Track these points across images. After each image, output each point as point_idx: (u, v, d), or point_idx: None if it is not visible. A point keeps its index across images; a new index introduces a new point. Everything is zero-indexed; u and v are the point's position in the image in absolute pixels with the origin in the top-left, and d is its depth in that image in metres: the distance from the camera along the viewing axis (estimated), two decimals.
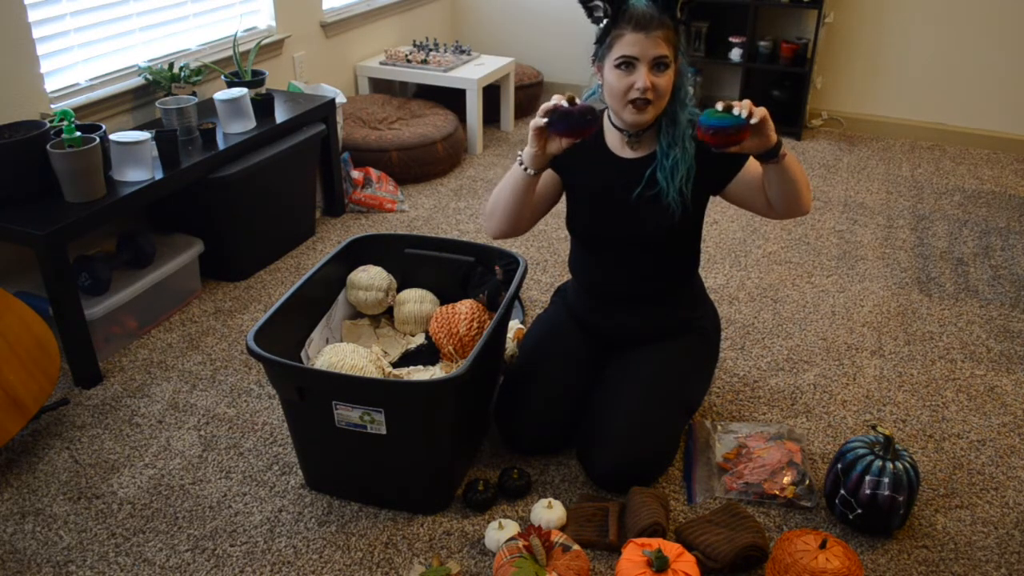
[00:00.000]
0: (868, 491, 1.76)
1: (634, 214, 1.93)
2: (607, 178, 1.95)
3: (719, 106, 1.64)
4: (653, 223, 1.92)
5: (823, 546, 1.62)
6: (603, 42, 1.82)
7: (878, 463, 1.77)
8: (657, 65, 1.77)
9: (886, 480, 1.75)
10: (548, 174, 2.00)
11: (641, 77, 1.76)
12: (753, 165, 1.88)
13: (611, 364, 2.07)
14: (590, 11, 1.83)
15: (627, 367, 2.02)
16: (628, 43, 1.77)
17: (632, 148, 1.93)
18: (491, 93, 4.19)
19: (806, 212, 1.88)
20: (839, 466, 1.82)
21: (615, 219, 1.96)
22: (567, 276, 2.32)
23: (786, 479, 1.94)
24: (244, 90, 2.83)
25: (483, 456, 2.08)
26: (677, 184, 1.87)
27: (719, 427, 2.11)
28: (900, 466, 1.76)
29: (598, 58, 1.85)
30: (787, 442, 2.04)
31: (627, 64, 1.77)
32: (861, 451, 1.80)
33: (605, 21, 1.81)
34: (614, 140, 1.95)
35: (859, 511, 1.79)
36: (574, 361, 2.06)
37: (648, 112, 1.81)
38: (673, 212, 1.89)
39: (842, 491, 1.81)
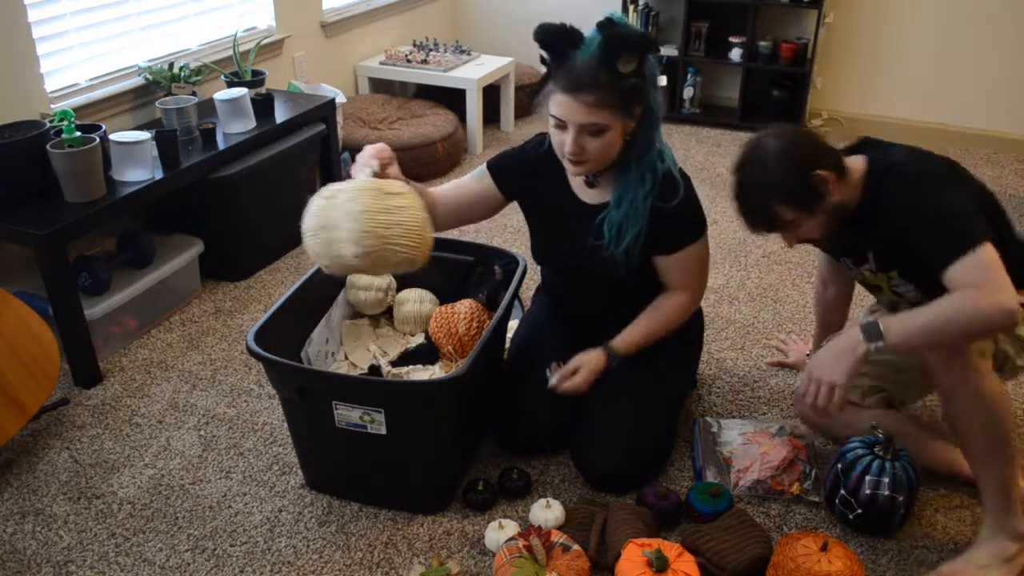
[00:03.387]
0: (868, 491, 1.76)
1: (586, 256, 1.87)
2: (562, 220, 1.91)
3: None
4: (604, 268, 1.86)
5: (824, 548, 1.62)
6: (542, 88, 1.71)
7: (878, 463, 1.77)
8: (588, 131, 1.66)
9: (886, 480, 1.75)
10: (491, 193, 1.96)
11: (569, 140, 1.66)
12: (680, 261, 1.85)
13: None
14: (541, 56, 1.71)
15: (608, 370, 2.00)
16: (557, 103, 1.66)
17: (591, 187, 1.85)
18: (491, 93, 4.20)
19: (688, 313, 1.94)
20: (839, 466, 1.83)
21: (569, 257, 1.94)
22: None
23: (793, 475, 1.94)
24: (244, 90, 2.83)
25: (483, 456, 2.08)
26: (624, 244, 1.79)
27: (722, 424, 2.11)
28: (900, 466, 1.76)
29: (544, 98, 1.71)
30: (792, 438, 2.04)
31: (559, 124, 1.68)
32: (861, 451, 1.80)
33: (545, 69, 1.70)
34: (576, 178, 1.88)
35: (859, 511, 1.79)
36: (560, 359, 2.04)
37: (584, 167, 1.73)
38: (618, 264, 1.83)
39: (842, 491, 1.81)
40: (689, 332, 2.12)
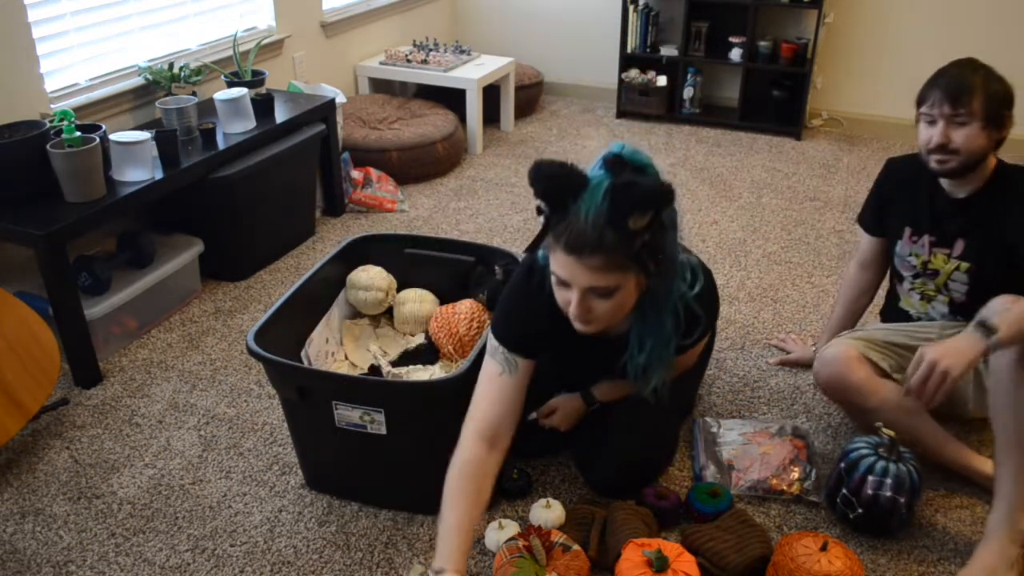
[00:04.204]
0: (870, 492, 1.76)
1: (595, 376, 1.83)
2: (581, 352, 1.77)
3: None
4: (614, 378, 1.82)
5: (824, 548, 1.62)
6: (541, 241, 1.50)
7: (881, 464, 1.77)
8: (595, 293, 1.47)
9: (888, 481, 1.75)
10: (530, 371, 1.69)
11: (575, 303, 1.48)
12: (682, 356, 1.78)
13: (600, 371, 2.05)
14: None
15: (616, 376, 1.97)
16: (560, 262, 1.46)
17: None
18: (491, 93, 4.19)
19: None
20: (842, 465, 1.83)
21: (574, 378, 1.93)
22: None
23: (793, 475, 1.94)
24: (244, 90, 2.83)
25: None
26: (651, 385, 1.66)
27: (723, 424, 2.11)
28: (903, 467, 1.77)
29: (544, 248, 1.52)
30: (792, 438, 2.04)
31: (561, 282, 1.49)
32: (864, 451, 1.80)
33: (542, 218, 1.47)
34: None
35: (860, 511, 1.79)
36: (561, 361, 2.04)
37: (592, 327, 1.54)
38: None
39: (844, 490, 1.81)
40: (707, 344, 2.11)
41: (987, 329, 1.60)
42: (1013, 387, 1.68)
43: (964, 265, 1.94)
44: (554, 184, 1.41)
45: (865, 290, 2.26)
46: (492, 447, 1.64)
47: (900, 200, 2.06)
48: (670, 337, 1.61)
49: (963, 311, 1.97)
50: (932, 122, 1.85)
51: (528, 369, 1.69)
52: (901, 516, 1.78)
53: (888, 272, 2.19)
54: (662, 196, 1.39)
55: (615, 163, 1.41)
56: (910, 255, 2.04)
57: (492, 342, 1.70)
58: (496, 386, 1.67)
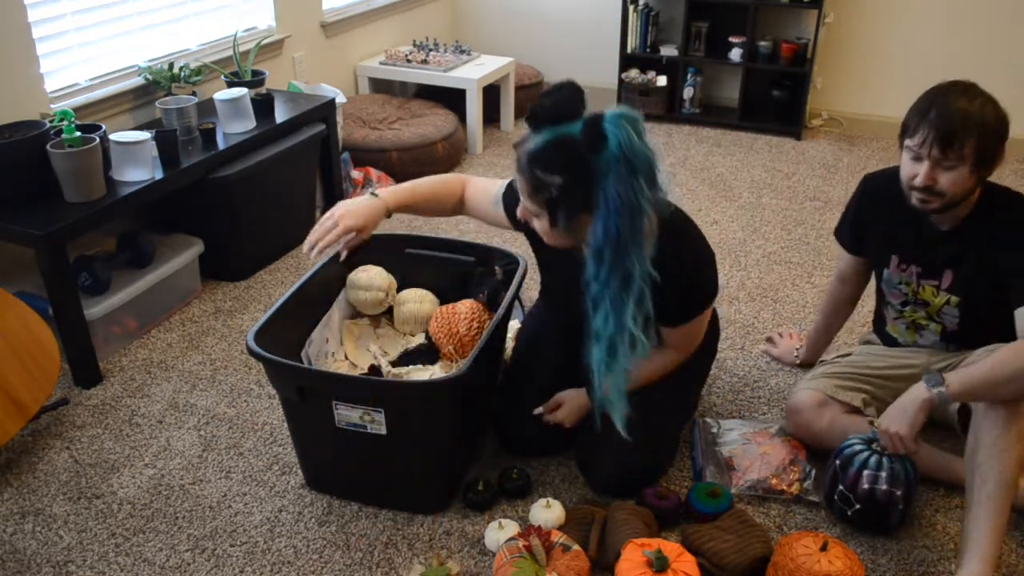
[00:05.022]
0: (866, 486, 1.76)
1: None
2: (567, 265, 1.77)
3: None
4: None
5: (824, 548, 1.62)
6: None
7: (875, 458, 1.77)
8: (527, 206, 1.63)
9: (883, 475, 1.75)
10: (505, 222, 1.93)
11: (520, 206, 1.66)
12: (682, 330, 1.81)
13: None
14: None
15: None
16: None
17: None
18: (491, 93, 4.20)
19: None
20: (837, 462, 1.83)
21: (578, 306, 1.87)
22: None
23: (793, 475, 1.94)
24: (244, 90, 2.83)
25: (483, 456, 2.08)
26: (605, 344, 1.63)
27: (722, 424, 2.11)
28: (898, 461, 1.77)
29: None
30: (792, 438, 2.04)
31: None
32: (859, 447, 1.81)
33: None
34: None
35: (857, 507, 1.79)
36: (564, 361, 2.04)
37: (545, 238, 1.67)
38: None
39: (840, 487, 1.81)
40: (704, 343, 2.10)
41: (936, 380, 1.65)
42: (994, 442, 1.64)
43: (954, 299, 1.86)
44: (538, 106, 1.53)
45: (844, 303, 2.23)
46: (468, 205, 2.02)
47: (882, 225, 1.94)
48: (622, 310, 1.56)
49: (955, 338, 1.93)
50: (917, 159, 1.73)
51: (501, 218, 1.95)
52: (899, 510, 1.78)
53: (871, 286, 2.12)
54: (566, 170, 1.49)
55: (588, 121, 1.48)
56: (900, 283, 1.95)
57: (509, 181, 1.91)
58: (488, 194, 1.97)
